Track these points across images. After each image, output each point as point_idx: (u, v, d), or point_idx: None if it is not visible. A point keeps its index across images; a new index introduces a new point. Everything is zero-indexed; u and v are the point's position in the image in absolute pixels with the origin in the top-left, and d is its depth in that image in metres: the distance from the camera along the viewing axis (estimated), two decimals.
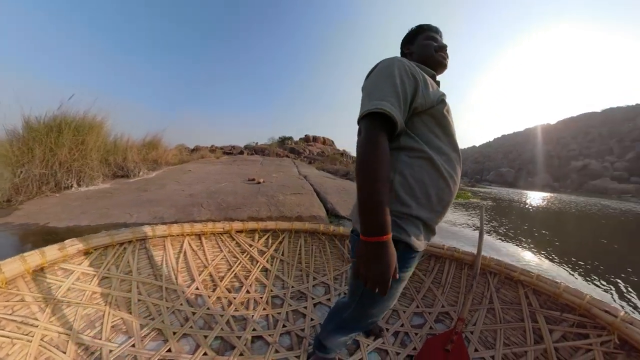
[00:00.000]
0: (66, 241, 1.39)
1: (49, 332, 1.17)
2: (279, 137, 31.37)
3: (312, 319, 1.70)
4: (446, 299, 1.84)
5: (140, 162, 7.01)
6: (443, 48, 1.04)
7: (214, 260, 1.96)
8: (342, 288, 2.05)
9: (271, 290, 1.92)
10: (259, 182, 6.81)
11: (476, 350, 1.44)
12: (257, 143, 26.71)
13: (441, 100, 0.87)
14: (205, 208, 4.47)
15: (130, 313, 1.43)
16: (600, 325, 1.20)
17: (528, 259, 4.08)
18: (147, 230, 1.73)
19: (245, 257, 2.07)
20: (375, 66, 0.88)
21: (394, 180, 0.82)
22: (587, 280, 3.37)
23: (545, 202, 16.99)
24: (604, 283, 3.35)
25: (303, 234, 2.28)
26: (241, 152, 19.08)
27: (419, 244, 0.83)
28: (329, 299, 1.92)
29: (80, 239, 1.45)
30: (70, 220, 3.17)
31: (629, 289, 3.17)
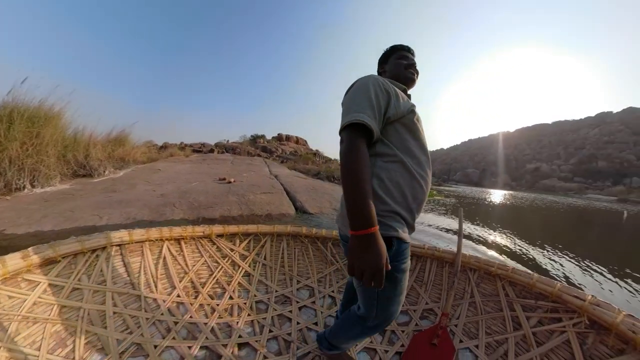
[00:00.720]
0: (30, 249, 1.27)
1: (13, 353, 1.05)
2: (251, 135, 30.67)
3: (298, 323, 1.67)
4: (429, 296, 1.88)
5: (105, 159, 6.48)
6: (412, 65, 1.16)
7: (194, 265, 1.88)
8: (327, 290, 2.03)
9: (255, 295, 1.86)
10: (229, 182, 6.76)
11: (461, 341, 1.53)
12: (228, 141, 25.87)
13: (411, 111, 0.97)
14: (178, 208, 4.40)
15: (106, 328, 1.32)
16: (571, 309, 1.32)
17: (491, 240, 5.20)
18: (123, 234, 1.62)
19: (226, 262, 2.00)
20: (353, 84, 0.97)
21: (373, 183, 0.90)
22: (542, 256, 4.42)
23: (504, 199, 20.53)
24: (557, 257, 4.42)
25: (285, 237, 2.24)
26: (211, 151, 18.45)
27: (406, 235, 0.91)
28: (313, 302, 1.90)
29: (46, 246, 1.32)
30: (30, 226, 2.91)
31: (578, 259, 4.36)
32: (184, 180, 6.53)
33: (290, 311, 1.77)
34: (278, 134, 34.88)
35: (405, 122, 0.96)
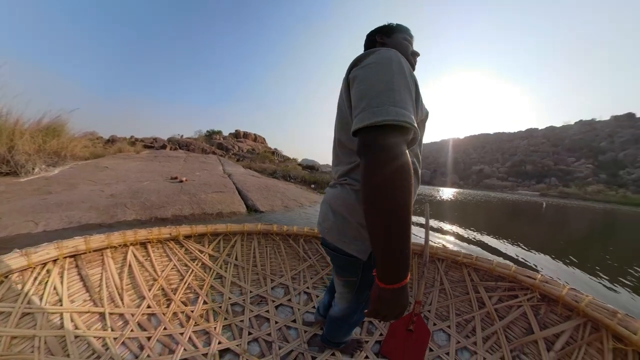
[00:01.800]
0: None
1: None
2: (207, 131, 29.39)
3: (276, 322, 1.65)
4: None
5: (35, 153, 5.56)
6: (416, 54, 0.94)
7: (164, 271, 1.75)
8: (301, 287, 2.02)
9: (229, 298, 1.80)
10: (181, 181, 6.70)
11: (435, 324, 1.68)
12: (182, 136, 24.39)
13: (427, 114, 0.84)
14: (130, 208, 4.26)
15: (69, 356, 1.12)
16: (525, 287, 1.51)
17: (447, 229, 6.43)
18: (78, 242, 1.42)
19: (197, 264, 1.91)
20: (367, 54, 0.71)
21: None
22: (490, 238, 5.84)
23: (454, 195, 26.24)
24: (497, 239, 5.85)
25: (256, 236, 2.20)
26: (164, 146, 17.42)
27: None
28: (289, 300, 1.89)
29: None
30: None
31: (514, 241, 5.75)
32: (134, 179, 6.22)
33: (267, 311, 1.75)
34: (236, 131, 33.86)
35: (421, 125, 0.81)
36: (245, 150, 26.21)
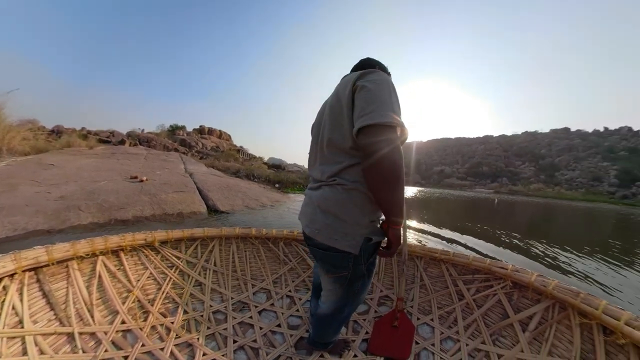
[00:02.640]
0: None
1: None
2: (170, 126, 27.67)
3: (260, 328, 1.61)
4: (383, 284, 1.99)
5: None
6: None
7: (139, 280, 1.62)
8: (284, 291, 1.99)
9: (210, 306, 1.73)
10: (142, 181, 6.43)
11: (418, 318, 1.74)
12: (142, 130, 22.73)
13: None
14: (85, 211, 3.97)
15: None
16: (499, 277, 1.63)
17: (414, 226, 6.93)
18: (39, 253, 1.27)
19: (174, 272, 1.80)
20: (372, 72, 0.89)
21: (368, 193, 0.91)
22: (447, 231, 6.55)
23: (418, 193, 29.40)
24: (456, 232, 6.65)
25: (234, 240, 2.13)
26: (122, 142, 16.08)
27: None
28: (272, 304, 1.85)
29: None
30: None
31: (473, 233, 6.65)
32: (89, 179, 5.75)
33: (251, 317, 1.70)
34: (200, 126, 32.14)
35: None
36: (209, 147, 25.24)
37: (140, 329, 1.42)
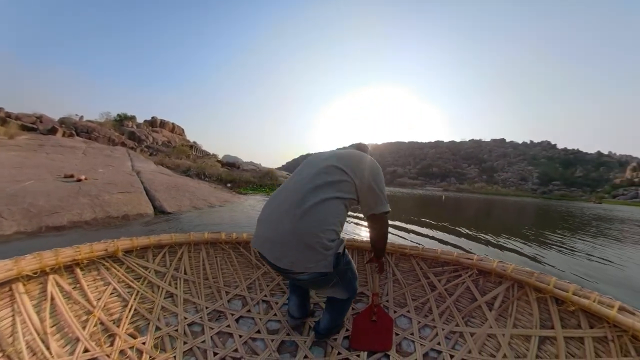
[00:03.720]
0: None
1: None
2: (118, 115, 24.69)
3: (240, 336, 1.54)
4: (358, 281, 2.08)
5: None
6: None
7: (100, 299, 1.43)
8: (259, 296, 1.92)
9: (185, 318, 1.61)
10: (79, 180, 5.76)
11: (395, 311, 1.82)
12: (81, 118, 19.76)
13: None
14: (8, 218, 3.43)
15: None
16: (466, 267, 1.77)
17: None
18: None
19: (142, 284, 1.64)
20: (370, 164, 1.32)
21: (339, 224, 1.20)
22: (401, 223, 7.73)
23: None
24: (410, 224, 7.85)
25: (203, 246, 2.02)
26: (53, 130, 13.60)
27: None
28: (249, 311, 1.78)
29: None
30: None
31: (423, 225, 7.94)
32: (9, 178, 4.89)
33: (228, 326, 1.63)
34: (152, 118, 29.26)
35: None
36: (160, 142, 23.48)
37: (108, 355, 1.24)
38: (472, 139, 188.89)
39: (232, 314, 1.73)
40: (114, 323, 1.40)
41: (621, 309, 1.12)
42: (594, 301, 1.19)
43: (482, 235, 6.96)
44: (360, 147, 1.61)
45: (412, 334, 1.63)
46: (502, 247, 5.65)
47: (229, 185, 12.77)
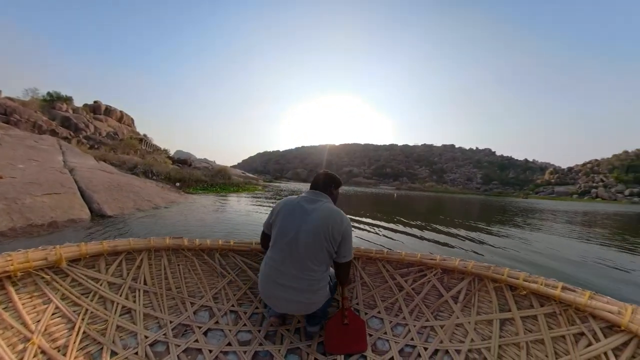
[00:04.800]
0: None
1: None
2: (48, 94, 20.27)
3: (210, 351, 1.44)
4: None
5: None
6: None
7: (40, 321, 1.20)
8: (226, 306, 1.82)
9: (146, 337, 1.43)
10: None
11: (366, 313, 1.87)
12: None
13: None
14: None
15: None
16: (430, 267, 1.89)
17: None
18: None
19: (93, 300, 1.43)
20: (343, 220, 1.51)
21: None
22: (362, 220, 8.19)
23: None
24: (365, 217, 8.76)
25: (165, 252, 1.86)
26: None
27: None
28: (217, 322, 1.67)
29: None
30: None
31: (381, 218, 8.96)
32: None
33: (197, 340, 1.51)
34: (95, 102, 25.44)
35: None
36: (104, 132, 20.96)
37: None
38: (425, 144, 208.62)
39: (200, 327, 1.61)
40: (58, 351, 1.18)
41: (564, 288, 1.33)
42: (541, 284, 1.40)
43: (428, 225, 8.16)
44: (332, 180, 1.72)
45: (385, 333, 1.69)
46: (447, 234, 6.92)
47: (177, 184, 12.01)
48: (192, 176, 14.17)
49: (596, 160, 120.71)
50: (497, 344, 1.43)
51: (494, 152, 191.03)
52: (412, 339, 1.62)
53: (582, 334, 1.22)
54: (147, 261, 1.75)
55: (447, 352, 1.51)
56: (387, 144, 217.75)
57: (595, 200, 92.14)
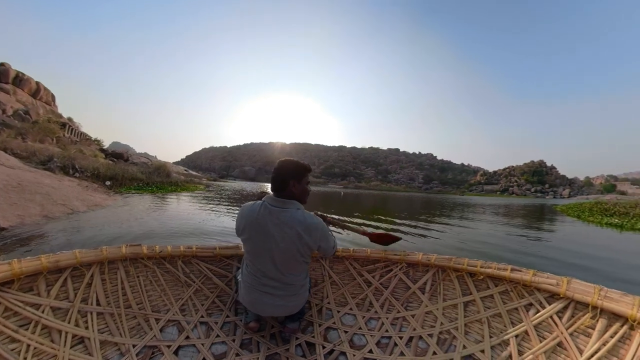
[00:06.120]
0: None
1: None
2: None
3: None
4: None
5: None
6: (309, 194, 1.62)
7: None
8: (195, 317, 1.69)
9: None
10: None
11: (338, 311, 1.90)
12: None
13: None
14: None
15: None
16: (395, 262, 2.00)
17: None
18: None
19: (35, 331, 1.18)
20: (317, 223, 1.44)
21: None
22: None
23: None
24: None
25: (121, 263, 1.65)
26: None
27: None
28: (187, 338, 1.53)
29: None
30: None
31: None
32: None
33: None
34: (1, 64, 19.37)
35: None
36: (10, 110, 16.93)
37: None
38: (372, 147, 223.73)
39: (169, 346, 1.45)
40: None
41: (513, 270, 1.57)
42: (494, 269, 1.63)
43: (372, 219, 9.36)
44: (288, 174, 1.49)
45: (360, 328, 1.75)
46: (393, 223, 8.24)
47: (108, 183, 10.52)
48: (126, 173, 12.65)
49: (512, 166, 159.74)
50: (463, 323, 1.62)
51: (436, 156, 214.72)
52: (386, 331, 1.71)
53: (531, 304, 1.47)
54: (99, 276, 1.53)
55: (420, 337, 1.65)
56: (337, 145, 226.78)
57: (512, 196, 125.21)
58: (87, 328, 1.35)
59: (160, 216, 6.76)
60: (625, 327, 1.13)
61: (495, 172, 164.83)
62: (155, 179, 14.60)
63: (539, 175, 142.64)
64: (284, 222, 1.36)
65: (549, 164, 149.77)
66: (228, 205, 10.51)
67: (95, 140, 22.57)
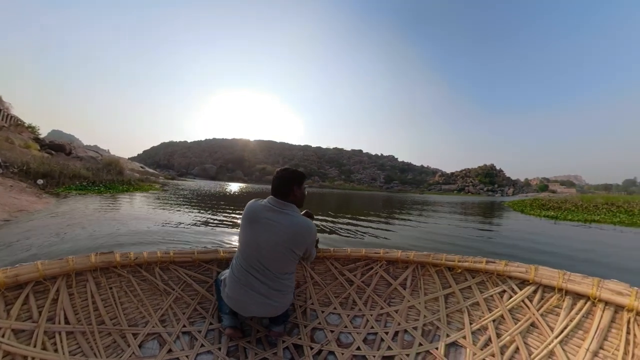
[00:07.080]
0: None
1: None
2: None
3: None
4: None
5: None
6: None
7: None
8: (177, 328, 1.59)
9: None
10: None
11: (322, 312, 1.91)
12: None
13: None
14: None
15: None
16: (375, 259, 2.06)
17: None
18: None
19: None
20: (303, 233, 1.52)
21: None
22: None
23: (241, 190, 31.04)
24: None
25: (91, 274, 1.49)
26: None
27: None
28: (170, 351, 1.44)
29: None
30: None
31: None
32: None
33: None
34: None
35: None
36: None
37: None
38: (336, 147, 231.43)
39: None
40: None
41: (487, 262, 1.69)
42: (471, 262, 1.74)
43: (338, 217, 9.74)
44: (291, 180, 1.64)
45: (345, 327, 1.78)
46: (356, 224, 8.33)
47: (40, 181, 9.00)
48: (66, 169, 10.94)
49: (468, 168, 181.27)
50: (445, 314, 1.72)
51: (397, 158, 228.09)
52: (372, 327, 1.76)
53: (504, 291, 1.61)
54: (65, 290, 1.38)
55: (406, 331, 1.71)
56: (302, 144, 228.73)
57: (467, 194, 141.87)
58: (56, 351, 1.20)
59: (100, 224, 5.30)
60: (588, 304, 1.29)
61: (452, 173, 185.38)
62: (104, 177, 13.10)
63: (490, 177, 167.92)
64: (282, 220, 1.47)
65: (497, 168, 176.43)
66: (180, 207, 9.43)
67: (29, 126, 19.79)
